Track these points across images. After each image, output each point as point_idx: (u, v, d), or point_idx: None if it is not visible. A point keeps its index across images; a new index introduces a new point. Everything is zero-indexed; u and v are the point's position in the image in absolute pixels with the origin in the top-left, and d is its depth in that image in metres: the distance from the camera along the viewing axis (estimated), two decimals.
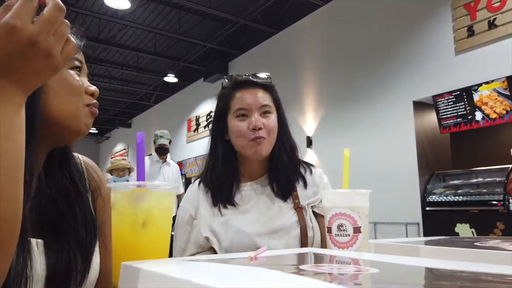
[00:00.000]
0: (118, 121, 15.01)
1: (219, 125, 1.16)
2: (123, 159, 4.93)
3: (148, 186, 0.58)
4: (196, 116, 10.09)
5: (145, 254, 0.56)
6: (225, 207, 1.11)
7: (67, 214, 0.73)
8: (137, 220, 0.56)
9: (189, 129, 10.44)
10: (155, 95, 12.31)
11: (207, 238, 1.08)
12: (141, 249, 0.56)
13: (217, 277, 0.39)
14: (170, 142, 4.87)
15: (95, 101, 0.76)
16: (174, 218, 1.80)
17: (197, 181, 1.19)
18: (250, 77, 1.16)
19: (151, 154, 4.90)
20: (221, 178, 1.12)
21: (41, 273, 0.66)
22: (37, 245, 0.67)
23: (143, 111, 13.91)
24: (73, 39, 0.55)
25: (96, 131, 16.25)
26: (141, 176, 0.63)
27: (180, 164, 9.16)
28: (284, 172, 1.14)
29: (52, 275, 0.67)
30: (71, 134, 0.73)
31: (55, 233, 0.70)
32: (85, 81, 0.76)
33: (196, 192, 1.16)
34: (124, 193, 0.58)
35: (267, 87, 1.16)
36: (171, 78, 9.94)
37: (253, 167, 1.17)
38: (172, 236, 0.90)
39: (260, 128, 1.08)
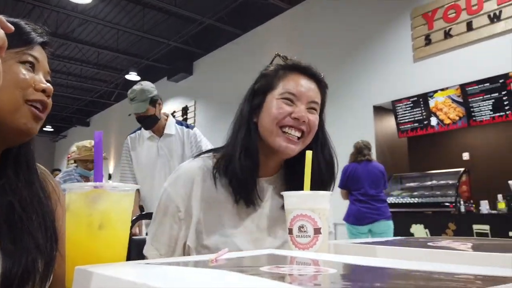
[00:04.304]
0: (76, 119, 14.50)
1: (250, 103, 1.01)
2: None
3: (105, 187, 0.56)
4: None
5: (101, 257, 0.54)
6: (246, 203, 0.97)
7: (24, 219, 0.69)
8: (93, 222, 0.54)
9: None
10: (116, 93, 11.99)
11: (188, 246, 0.94)
12: (97, 252, 0.54)
13: (175, 280, 0.38)
14: (152, 101, 2.76)
15: (44, 98, 0.71)
16: (133, 221, 1.74)
17: (197, 161, 1.01)
18: (310, 66, 1.03)
19: (139, 129, 2.97)
20: (239, 170, 0.95)
21: None
22: None
23: (103, 109, 13.50)
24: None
25: (52, 129, 15.61)
26: (98, 177, 0.61)
27: None
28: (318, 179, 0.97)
29: (7, 279, 0.63)
30: (10, 130, 0.68)
31: (12, 238, 0.67)
32: (37, 77, 0.71)
33: (191, 176, 0.97)
34: (79, 194, 0.56)
35: (322, 85, 1.04)
36: (133, 76, 9.71)
37: (270, 163, 1.03)
38: (130, 239, 0.87)
39: (303, 121, 0.96)
